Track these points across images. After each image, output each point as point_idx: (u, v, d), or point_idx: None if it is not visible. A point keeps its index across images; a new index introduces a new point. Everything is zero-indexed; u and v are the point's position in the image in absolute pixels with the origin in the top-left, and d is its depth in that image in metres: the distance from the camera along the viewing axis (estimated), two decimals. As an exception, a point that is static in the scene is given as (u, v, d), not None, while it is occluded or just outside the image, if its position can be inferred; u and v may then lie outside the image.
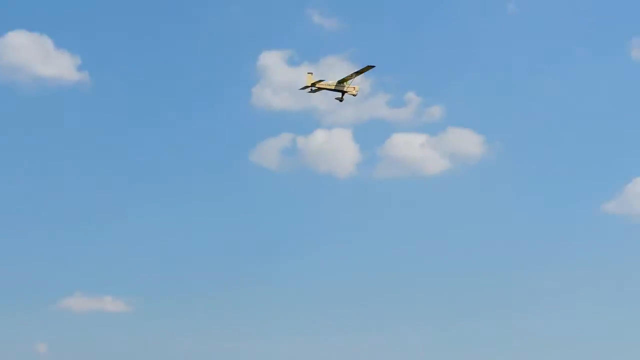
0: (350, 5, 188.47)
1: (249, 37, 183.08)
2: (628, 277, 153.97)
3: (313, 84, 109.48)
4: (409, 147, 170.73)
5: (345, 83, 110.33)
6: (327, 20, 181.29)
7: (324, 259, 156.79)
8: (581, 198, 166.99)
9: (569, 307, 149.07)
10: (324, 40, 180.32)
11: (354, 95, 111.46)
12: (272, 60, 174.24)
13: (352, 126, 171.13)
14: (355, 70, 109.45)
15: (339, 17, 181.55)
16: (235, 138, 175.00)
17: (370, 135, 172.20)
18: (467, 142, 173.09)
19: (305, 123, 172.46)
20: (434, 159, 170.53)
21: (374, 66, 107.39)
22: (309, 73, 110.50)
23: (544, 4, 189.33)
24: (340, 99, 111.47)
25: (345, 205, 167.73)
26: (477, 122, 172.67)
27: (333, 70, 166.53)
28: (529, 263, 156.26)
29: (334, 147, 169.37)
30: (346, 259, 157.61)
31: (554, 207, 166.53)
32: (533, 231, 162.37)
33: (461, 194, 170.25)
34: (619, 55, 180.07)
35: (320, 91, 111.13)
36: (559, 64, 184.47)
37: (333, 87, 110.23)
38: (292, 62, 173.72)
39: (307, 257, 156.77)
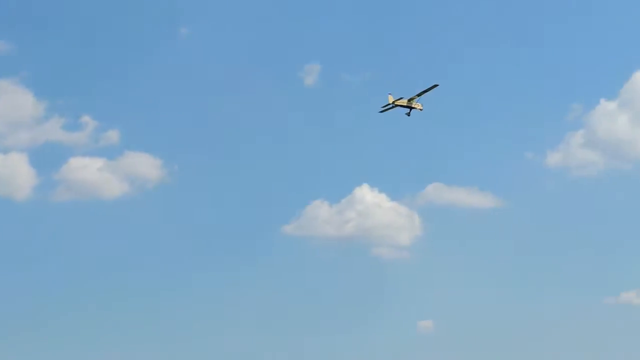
0: (19, 27, 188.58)
1: None
2: (312, 298, 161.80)
3: (393, 102, 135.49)
4: (87, 171, 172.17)
5: (412, 101, 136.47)
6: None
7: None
8: (262, 220, 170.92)
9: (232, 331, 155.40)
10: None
11: (420, 110, 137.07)
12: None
13: (28, 150, 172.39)
14: (422, 90, 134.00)
15: (8, 39, 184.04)
16: None
17: (47, 159, 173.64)
18: (145, 165, 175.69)
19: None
20: (112, 182, 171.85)
21: (437, 85, 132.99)
22: (389, 94, 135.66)
23: (216, 28, 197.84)
24: (409, 114, 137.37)
25: (22, 229, 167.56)
26: (154, 146, 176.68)
27: (6, 93, 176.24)
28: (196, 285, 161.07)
29: (10, 171, 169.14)
30: (22, 283, 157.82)
31: (236, 229, 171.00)
32: (206, 251, 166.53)
33: (140, 217, 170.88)
34: (293, 80, 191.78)
35: (395, 108, 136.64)
36: (239, 89, 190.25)
37: (405, 104, 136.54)
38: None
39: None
